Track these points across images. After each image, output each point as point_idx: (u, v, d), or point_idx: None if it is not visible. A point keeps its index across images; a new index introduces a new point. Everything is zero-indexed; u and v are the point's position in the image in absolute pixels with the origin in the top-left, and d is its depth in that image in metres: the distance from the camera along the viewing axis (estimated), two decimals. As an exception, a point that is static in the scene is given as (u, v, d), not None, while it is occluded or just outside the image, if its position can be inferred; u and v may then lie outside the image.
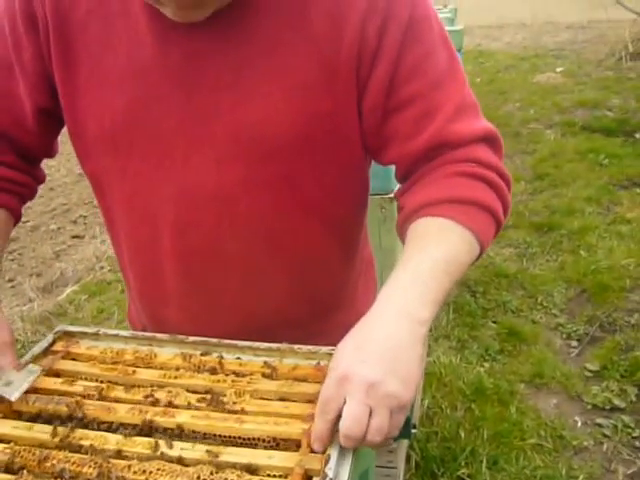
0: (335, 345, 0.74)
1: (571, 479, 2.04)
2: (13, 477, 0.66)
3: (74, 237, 4.46)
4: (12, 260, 4.13)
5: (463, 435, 2.21)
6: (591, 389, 2.44)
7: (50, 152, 0.96)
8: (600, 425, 2.27)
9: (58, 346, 0.89)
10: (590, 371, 2.54)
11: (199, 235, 0.86)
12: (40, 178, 0.98)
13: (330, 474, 0.62)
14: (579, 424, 2.29)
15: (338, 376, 0.66)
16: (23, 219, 0.97)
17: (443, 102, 0.80)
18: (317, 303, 0.97)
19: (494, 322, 2.91)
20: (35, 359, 0.85)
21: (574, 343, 2.74)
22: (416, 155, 0.82)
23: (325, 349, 0.82)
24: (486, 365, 2.63)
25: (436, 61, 0.80)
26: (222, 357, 0.84)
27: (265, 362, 0.82)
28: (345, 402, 0.64)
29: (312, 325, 0.97)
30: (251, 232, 0.86)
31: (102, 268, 3.90)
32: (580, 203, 3.98)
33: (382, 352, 0.67)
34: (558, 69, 8.18)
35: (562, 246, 3.51)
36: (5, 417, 0.76)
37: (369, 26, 0.76)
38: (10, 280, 3.88)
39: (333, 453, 0.65)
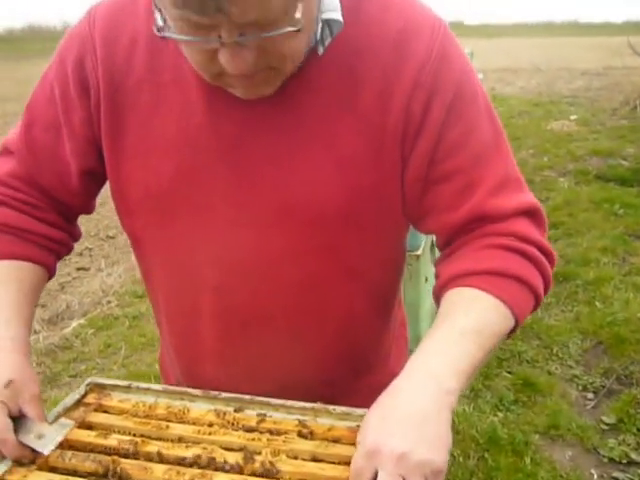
0: (368, 406, 0.75)
1: (587, 536, 2.02)
2: None
3: (79, 269, 4.43)
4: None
5: (477, 486, 2.20)
6: (607, 442, 2.41)
7: (89, 209, 0.99)
8: (616, 479, 2.24)
9: (90, 398, 0.90)
10: (606, 424, 2.52)
11: (240, 299, 0.88)
12: (76, 235, 1.00)
13: None
14: (595, 477, 2.26)
15: (367, 449, 0.67)
16: None
17: (485, 176, 0.81)
18: (353, 364, 0.98)
19: (509, 372, 2.91)
20: (67, 411, 0.86)
21: (590, 395, 2.72)
22: (455, 227, 0.83)
23: (359, 411, 0.82)
24: (500, 415, 2.62)
25: (479, 136, 0.82)
26: (256, 415, 0.86)
27: (300, 421, 0.83)
28: (377, 474, 0.65)
29: (346, 384, 0.98)
30: (292, 298, 0.88)
31: (109, 302, 3.90)
32: (595, 253, 3.99)
33: (409, 421, 0.68)
34: (572, 117, 8.29)
35: (577, 297, 3.52)
36: (40, 469, 0.77)
37: (414, 102, 0.78)
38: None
39: None
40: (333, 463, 0.77)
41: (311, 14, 0.71)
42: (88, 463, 0.77)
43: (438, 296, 0.84)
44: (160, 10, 0.67)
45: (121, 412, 0.87)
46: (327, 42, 0.77)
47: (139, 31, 0.82)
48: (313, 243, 0.84)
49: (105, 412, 0.88)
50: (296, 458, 0.77)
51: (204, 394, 0.89)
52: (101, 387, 0.93)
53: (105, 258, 4.61)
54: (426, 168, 0.81)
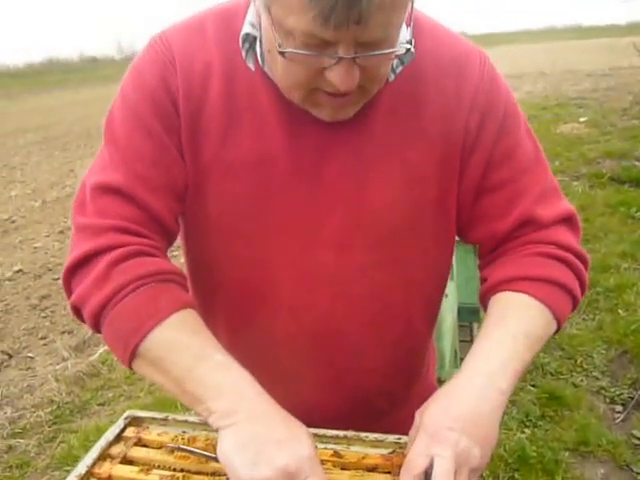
0: (403, 433, 0.81)
1: None
2: None
3: None
4: (44, 317, 4.20)
5: (508, 508, 2.13)
6: (640, 458, 2.34)
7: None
8: (652, 498, 2.18)
9: (129, 432, 0.91)
10: (638, 438, 2.45)
11: (313, 316, 0.91)
12: None
13: None
14: (629, 496, 2.20)
15: (429, 436, 0.71)
16: (55, 275, 0.97)
17: (530, 186, 0.89)
18: (406, 373, 1.04)
19: (533, 385, 2.84)
20: (109, 445, 0.87)
21: (618, 408, 2.65)
22: (504, 233, 0.90)
23: (391, 438, 0.84)
24: (527, 431, 2.55)
25: (524, 150, 0.90)
26: None
27: (335, 451, 0.83)
28: (432, 461, 0.69)
29: (399, 394, 1.04)
30: (362, 312, 0.92)
31: None
32: (614, 259, 3.93)
33: (467, 417, 0.72)
34: (582, 119, 8.23)
35: (599, 304, 3.46)
36: None
37: (471, 120, 0.87)
38: (43, 337, 3.94)
39: None
40: None
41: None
42: None
43: (484, 298, 0.90)
44: (276, 28, 0.71)
45: (161, 445, 0.87)
46: (398, 70, 0.84)
47: (212, 58, 0.84)
48: (383, 258, 0.89)
49: (145, 446, 0.88)
50: None
51: None
52: (139, 420, 0.93)
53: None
54: (478, 179, 0.89)
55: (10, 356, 3.67)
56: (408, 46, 0.78)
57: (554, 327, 0.84)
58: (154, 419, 0.93)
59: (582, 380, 2.86)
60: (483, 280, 0.92)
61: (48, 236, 5.85)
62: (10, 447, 2.82)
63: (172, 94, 0.83)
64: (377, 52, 0.71)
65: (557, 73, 14.37)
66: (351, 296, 0.90)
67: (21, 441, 2.85)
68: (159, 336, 0.75)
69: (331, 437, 0.86)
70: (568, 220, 0.90)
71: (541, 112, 9.30)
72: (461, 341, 2.40)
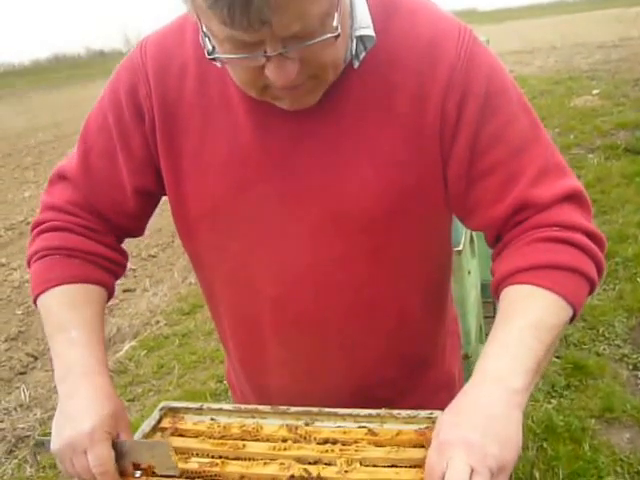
0: (428, 405, 0.81)
1: (654, 518, 2.00)
2: None
3: (125, 291, 4.48)
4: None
5: (538, 475, 2.18)
6: (665, 421, 2.38)
7: (141, 232, 1.04)
8: (678, 458, 2.22)
9: (165, 423, 0.93)
10: (662, 403, 2.49)
11: (298, 307, 0.92)
12: (127, 256, 1.04)
13: None
14: (657, 459, 2.24)
15: (439, 443, 0.70)
16: (53, 221, 1.03)
17: (525, 167, 0.83)
18: (410, 362, 1.01)
19: (557, 357, 2.88)
20: (146, 437, 0.89)
21: (642, 374, 2.70)
22: (501, 220, 0.85)
23: (423, 413, 0.85)
24: (554, 402, 2.60)
25: (516, 129, 0.84)
26: (326, 426, 0.88)
27: (369, 429, 0.85)
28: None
29: (404, 383, 1.01)
30: (347, 302, 0.91)
31: (158, 322, 3.95)
32: (632, 229, 3.92)
33: (479, 418, 0.70)
34: (594, 91, 8.16)
35: (618, 274, 3.47)
36: None
37: (449, 102, 0.82)
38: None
39: None
40: (406, 467, 0.79)
41: (345, 27, 0.76)
42: None
43: (496, 294, 0.86)
44: (208, 36, 0.72)
45: (197, 434, 0.90)
46: (362, 56, 0.82)
47: (188, 59, 0.87)
48: (363, 247, 0.87)
49: (181, 435, 0.91)
50: (370, 465, 0.80)
51: (274, 410, 0.92)
52: (174, 411, 0.95)
53: (149, 277, 4.68)
54: (467, 165, 0.84)
55: (35, 358, 3.69)
56: (365, 32, 0.79)
57: (569, 312, 0.80)
58: (189, 409, 0.95)
59: (605, 349, 2.89)
60: (492, 274, 0.88)
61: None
62: (43, 448, 2.87)
63: (139, 101, 0.89)
64: (305, 43, 0.69)
65: (568, 46, 14.19)
66: (334, 287, 0.89)
67: None
68: (43, 301, 0.92)
69: (364, 416, 0.87)
70: (572, 197, 0.84)
71: (554, 86, 9.22)
72: (485, 317, 2.45)
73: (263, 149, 0.85)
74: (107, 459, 0.80)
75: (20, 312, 4.37)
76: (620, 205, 4.34)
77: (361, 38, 0.80)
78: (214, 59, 0.74)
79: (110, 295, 0.99)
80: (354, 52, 0.81)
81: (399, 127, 0.83)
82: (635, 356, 2.80)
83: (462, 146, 0.83)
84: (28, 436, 2.97)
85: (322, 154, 0.84)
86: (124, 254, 1.03)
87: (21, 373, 3.57)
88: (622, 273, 3.48)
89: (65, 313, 0.90)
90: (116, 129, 0.91)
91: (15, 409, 3.20)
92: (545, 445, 2.34)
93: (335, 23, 0.70)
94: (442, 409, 0.87)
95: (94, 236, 0.95)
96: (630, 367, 2.75)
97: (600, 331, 3.02)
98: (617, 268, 3.53)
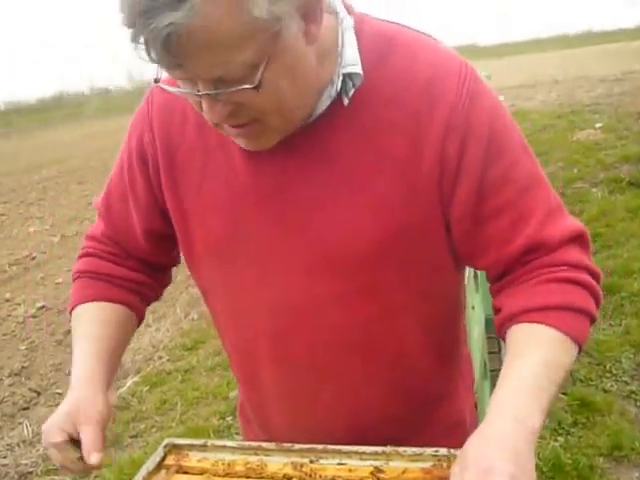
0: (441, 442, 0.82)
1: None
2: None
3: None
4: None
5: (545, 516, 2.15)
6: (675, 461, 2.35)
7: (170, 262, 1.08)
8: (689, 500, 2.18)
9: (170, 460, 0.93)
10: (672, 441, 2.45)
11: (294, 344, 0.92)
12: (165, 281, 1.10)
13: None
14: (667, 500, 2.20)
15: (478, 470, 0.68)
16: (86, 249, 1.09)
17: (533, 207, 0.84)
18: (414, 400, 1.00)
19: (564, 393, 2.84)
20: (150, 475, 0.89)
21: (650, 411, 2.66)
22: (512, 260, 0.85)
23: (429, 450, 0.84)
24: (560, 439, 2.56)
25: (521, 169, 0.84)
26: (331, 464, 0.87)
27: (375, 467, 0.85)
28: None
29: (411, 420, 1.00)
30: (344, 340, 0.91)
31: (160, 358, 3.94)
32: (637, 263, 3.91)
33: (509, 452, 0.69)
34: (597, 125, 8.21)
35: (624, 309, 3.45)
36: None
37: (449, 145, 0.80)
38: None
39: None
40: None
41: (298, 75, 0.75)
42: None
43: (501, 330, 0.87)
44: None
45: (202, 472, 0.90)
46: (351, 93, 0.81)
47: (188, 106, 0.87)
48: (358, 284, 0.87)
49: (186, 473, 0.91)
50: None
51: (278, 447, 0.91)
52: (178, 448, 0.95)
53: (152, 313, 4.63)
54: (473, 206, 0.84)
55: (39, 393, 3.68)
56: (351, 69, 0.79)
57: (575, 351, 0.82)
58: (193, 446, 0.94)
59: (612, 385, 2.86)
60: (497, 310, 0.88)
61: (69, 271, 5.71)
62: (46, 485, 2.81)
63: (143, 148, 0.94)
64: (230, 89, 0.70)
65: (570, 80, 14.34)
66: (330, 324, 0.90)
67: (55, 478, 2.86)
68: (72, 316, 1.02)
69: (370, 454, 0.86)
70: (577, 238, 0.86)
71: (556, 120, 9.28)
72: (490, 352, 2.43)
73: (258, 188, 0.86)
74: (56, 456, 0.86)
75: (24, 347, 4.36)
76: (625, 239, 4.33)
77: (350, 76, 0.80)
78: (160, 86, 0.76)
79: (138, 315, 1.06)
80: (339, 89, 0.81)
81: (394, 168, 0.82)
82: (643, 393, 2.76)
83: (466, 190, 0.83)
84: (31, 472, 2.94)
85: (313, 193, 0.84)
86: (157, 278, 1.08)
87: (24, 409, 3.55)
88: (628, 308, 3.46)
89: (80, 328, 0.99)
90: (127, 175, 0.98)
91: (18, 445, 3.18)
92: (553, 484, 2.30)
93: (259, 75, 0.69)
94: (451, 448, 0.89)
95: (119, 261, 1.03)
96: (638, 404, 2.72)
97: (607, 367, 2.99)
98: (623, 303, 3.51)
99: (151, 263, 1.05)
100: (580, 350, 0.82)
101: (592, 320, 0.85)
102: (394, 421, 0.98)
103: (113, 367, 0.98)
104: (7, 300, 5.36)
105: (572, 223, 0.87)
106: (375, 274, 0.87)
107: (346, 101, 0.81)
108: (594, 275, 0.86)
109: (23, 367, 4.06)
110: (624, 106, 9.43)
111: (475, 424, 1.10)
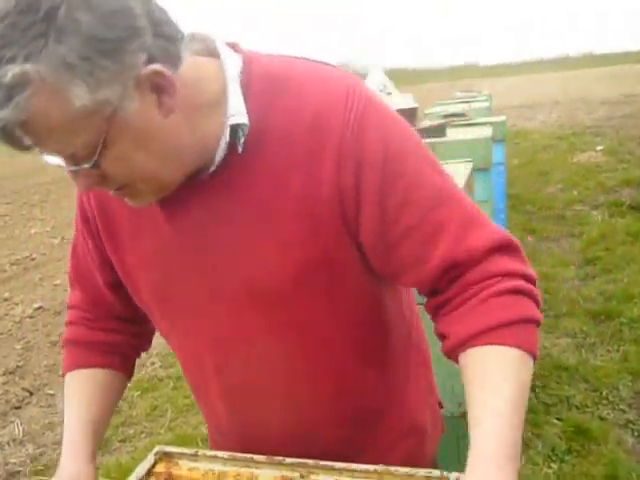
0: (390, 456, 0.90)
1: None
2: None
3: None
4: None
5: None
6: (672, 493, 2.29)
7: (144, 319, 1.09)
8: (685, 535, 2.12)
9: (160, 467, 0.93)
10: (668, 472, 2.40)
11: (237, 376, 0.96)
12: (149, 332, 1.14)
13: None
14: (662, 534, 2.14)
15: None
16: (68, 318, 1.13)
17: (445, 222, 0.82)
18: (360, 413, 1.01)
19: (558, 419, 2.80)
20: None
21: (647, 441, 2.61)
22: (434, 278, 0.85)
23: (422, 472, 0.84)
24: (554, 466, 2.52)
25: (425, 187, 0.83)
26: None
27: None
28: None
29: (360, 431, 1.02)
30: (281, 369, 0.94)
31: (153, 364, 3.94)
32: (638, 288, 3.88)
33: None
34: (598, 147, 8.21)
35: (623, 335, 3.41)
36: None
37: (344, 176, 0.81)
38: (64, 375, 3.93)
39: None
40: None
41: (140, 145, 0.76)
42: None
43: (451, 355, 0.86)
44: None
45: None
46: (242, 141, 0.82)
47: None
48: (281, 320, 0.90)
49: None
50: None
51: (269, 460, 0.91)
52: (169, 456, 0.95)
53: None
54: (379, 234, 0.84)
55: (31, 393, 3.70)
56: (237, 120, 0.80)
57: (532, 363, 0.81)
58: (184, 454, 0.94)
59: (608, 413, 2.82)
60: (442, 336, 0.87)
61: (67, 273, 5.90)
62: (33, 485, 2.84)
63: (84, 209, 0.99)
64: (82, 166, 0.75)
65: (571, 101, 14.37)
66: (264, 357, 0.93)
67: (43, 478, 2.86)
68: (65, 382, 1.09)
69: (361, 472, 0.86)
70: (503, 246, 0.84)
71: (556, 142, 9.28)
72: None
73: (180, 240, 0.89)
74: None
75: (19, 347, 4.38)
76: (625, 263, 4.31)
77: (238, 125, 0.81)
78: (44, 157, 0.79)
79: (123, 370, 1.11)
80: (228, 140, 0.81)
81: (297, 205, 0.83)
82: (641, 422, 2.71)
83: (369, 217, 0.83)
84: (19, 472, 2.96)
85: (226, 235, 0.87)
86: (136, 332, 1.11)
87: (16, 408, 3.57)
88: (627, 334, 3.42)
89: (67, 399, 1.06)
90: (80, 236, 1.04)
91: (8, 443, 3.19)
92: (546, 512, 2.24)
93: (96, 155, 0.73)
94: (408, 455, 1.02)
95: (95, 326, 1.09)
96: (635, 434, 2.67)
97: (604, 394, 2.95)
98: (622, 329, 3.48)
99: (128, 318, 1.08)
100: (535, 359, 0.82)
101: (537, 324, 0.84)
102: (343, 443, 1.00)
103: (99, 435, 1.04)
104: (5, 299, 5.40)
105: (494, 232, 0.85)
106: (295, 308, 0.89)
107: (240, 149, 0.82)
108: (529, 279, 0.84)
109: (18, 366, 4.08)
110: (626, 129, 9.44)
111: (440, 421, 1.17)
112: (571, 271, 4.31)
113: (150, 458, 0.94)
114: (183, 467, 0.92)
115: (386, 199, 0.82)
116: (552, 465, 2.52)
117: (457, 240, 0.82)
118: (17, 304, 5.23)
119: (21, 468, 2.97)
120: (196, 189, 0.85)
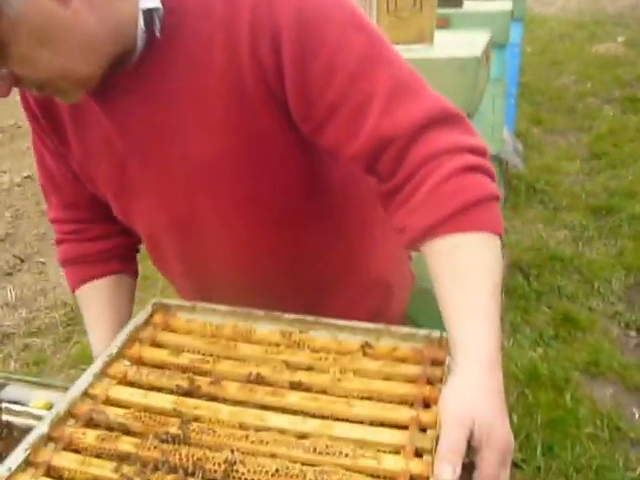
0: (357, 307, 0.96)
1: (629, 471, 2.02)
2: (137, 440, 0.71)
3: None
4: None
5: (516, 420, 2.20)
6: (651, 382, 2.37)
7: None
8: (660, 419, 2.22)
9: (157, 318, 0.93)
10: (651, 363, 2.49)
11: (193, 254, 1.00)
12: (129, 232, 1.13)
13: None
14: (637, 416, 2.25)
15: (454, 419, 0.65)
16: (56, 237, 1.15)
17: (372, 93, 0.76)
18: (323, 276, 1.03)
19: (548, 307, 2.86)
20: (137, 330, 0.90)
21: (633, 333, 2.67)
22: (364, 157, 0.80)
23: (422, 332, 0.84)
24: (539, 350, 2.60)
25: (349, 52, 0.77)
26: (321, 335, 0.87)
27: (366, 342, 0.84)
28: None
29: (324, 290, 1.04)
30: (236, 246, 0.96)
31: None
32: (642, 186, 3.84)
33: (494, 404, 0.67)
34: (619, 38, 7.81)
35: (621, 231, 3.41)
36: (120, 384, 0.81)
37: (260, 47, 0.77)
38: (54, 244, 3.94)
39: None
40: (400, 382, 0.78)
41: (44, 42, 0.72)
42: (165, 380, 0.81)
43: (412, 246, 0.81)
44: None
45: (189, 332, 0.90)
46: (158, 24, 0.79)
47: None
48: (228, 192, 0.89)
49: (173, 331, 0.91)
50: (364, 377, 0.79)
51: (267, 315, 0.91)
52: (166, 307, 0.96)
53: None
54: (307, 107, 0.79)
55: (22, 260, 3.72)
56: (149, 4, 0.78)
57: (498, 241, 0.77)
58: (182, 307, 0.94)
59: (598, 304, 2.87)
60: (400, 229, 0.81)
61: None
62: (27, 346, 2.92)
63: (32, 110, 0.97)
64: None
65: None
66: (216, 236, 0.95)
67: (37, 340, 2.94)
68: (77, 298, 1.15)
69: (362, 329, 0.86)
70: (442, 118, 0.77)
71: (575, 30, 8.80)
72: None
73: (117, 125, 0.89)
74: None
75: (9, 215, 4.34)
76: (632, 160, 4.22)
77: (153, 10, 0.78)
78: None
79: (126, 271, 1.19)
80: (143, 26, 0.78)
81: (221, 80, 0.80)
82: (629, 315, 2.78)
83: (293, 90, 0.78)
84: (13, 333, 3.02)
85: (162, 118, 0.86)
86: (119, 233, 1.12)
87: (8, 274, 3.59)
88: (626, 230, 3.42)
89: (85, 312, 1.13)
90: (33, 132, 1.02)
91: (1, 307, 3.25)
92: (526, 392, 2.35)
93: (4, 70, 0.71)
94: (374, 306, 1.06)
95: (83, 237, 1.11)
96: (622, 325, 2.74)
97: (595, 286, 2.99)
98: (621, 224, 3.47)
99: (109, 215, 1.06)
100: (501, 237, 0.77)
101: (497, 200, 0.78)
102: (304, 293, 1.01)
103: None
104: (-8, 168, 5.31)
105: (432, 100, 0.78)
106: (241, 180, 0.87)
107: (157, 33, 0.80)
108: (477, 151, 0.78)
109: (7, 234, 4.07)
110: (651, 22, 8.98)
111: (410, 273, 1.18)
112: (576, 165, 4.24)
113: (148, 309, 0.94)
114: (181, 318, 0.93)
115: (307, 68, 0.77)
116: (538, 349, 2.61)
117: (386, 112, 0.76)
118: (5, 172, 5.12)
119: (15, 330, 3.03)
120: (124, 78, 0.83)
